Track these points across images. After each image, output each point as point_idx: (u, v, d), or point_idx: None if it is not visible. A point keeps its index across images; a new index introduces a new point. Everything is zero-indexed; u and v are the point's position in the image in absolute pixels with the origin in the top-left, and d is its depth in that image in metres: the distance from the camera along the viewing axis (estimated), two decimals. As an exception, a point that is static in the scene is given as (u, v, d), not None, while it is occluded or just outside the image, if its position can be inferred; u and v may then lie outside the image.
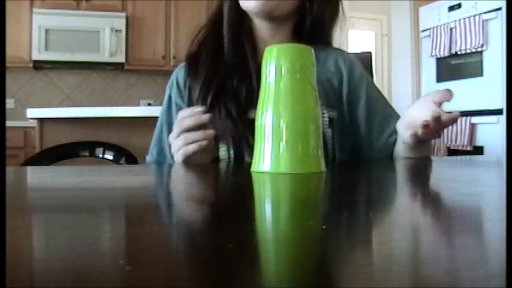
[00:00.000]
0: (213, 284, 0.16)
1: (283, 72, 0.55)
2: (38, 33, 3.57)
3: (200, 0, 3.76)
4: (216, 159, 0.79)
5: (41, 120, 1.88)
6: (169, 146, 0.73)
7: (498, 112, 3.00)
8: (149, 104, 3.83)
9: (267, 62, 0.57)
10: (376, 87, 0.91)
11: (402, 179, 0.59)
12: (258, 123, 0.57)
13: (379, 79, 4.64)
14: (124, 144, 1.23)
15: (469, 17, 3.17)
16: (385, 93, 5.04)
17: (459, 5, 3.30)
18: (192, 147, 0.67)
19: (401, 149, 0.80)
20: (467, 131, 3.18)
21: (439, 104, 0.67)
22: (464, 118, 3.22)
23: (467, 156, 2.53)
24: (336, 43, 0.94)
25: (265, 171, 0.55)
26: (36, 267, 0.19)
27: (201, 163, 0.71)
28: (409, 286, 0.16)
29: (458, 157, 2.45)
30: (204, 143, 0.67)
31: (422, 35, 3.66)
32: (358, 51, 1.36)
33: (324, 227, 0.26)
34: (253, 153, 0.58)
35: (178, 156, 0.70)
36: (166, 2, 3.90)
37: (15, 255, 0.20)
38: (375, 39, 4.98)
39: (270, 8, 0.81)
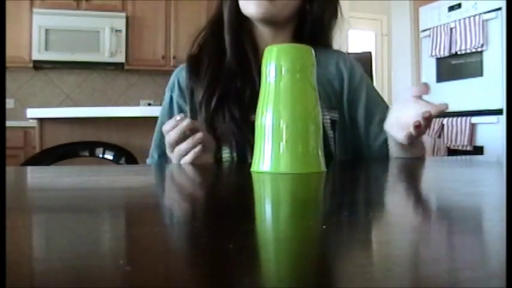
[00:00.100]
0: (213, 284, 0.16)
1: (283, 72, 0.55)
2: (38, 33, 3.57)
3: (200, 0, 3.76)
4: (219, 161, 0.79)
5: (41, 120, 1.88)
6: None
7: (498, 112, 3.00)
8: (149, 104, 3.83)
9: (267, 62, 0.57)
10: (375, 90, 0.91)
11: (402, 179, 0.59)
12: (258, 123, 0.57)
13: (379, 79, 4.64)
14: (124, 144, 1.23)
15: (469, 17, 3.17)
16: (385, 93, 5.05)
17: (459, 5, 3.30)
18: (189, 158, 0.68)
19: (395, 150, 0.80)
20: (467, 131, 3.18)
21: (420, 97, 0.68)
22: (464, 118, 3.22)
23: (467, 156, 2.53)
24: (335, 44, 0.94)
25: (265, 171, 0.55)
26: (36, 268, 0.19)
27: (205, 161, 0.72)
28: (409, 286, 0.16)
29: (458, 157, 2.45)
30: (197, 149, 0.68)
31: (422, 35, 3.66)
32: (358, 51, 1.36)
33: (324, 227, 0.26)
34: (253, 153, 0.58)
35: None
36: (166, 2, 3.90)
37: (15, 255, 0.20)
38: (375, 39, 4.98)
39: (272, 13, 0.81)
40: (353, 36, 4.45)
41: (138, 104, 4.02)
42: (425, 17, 3.62)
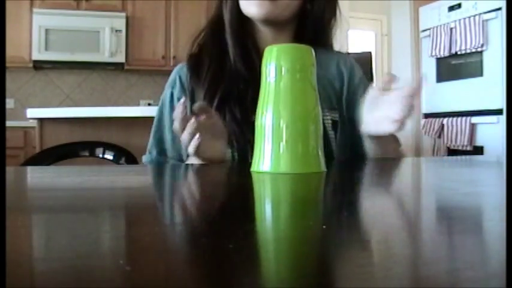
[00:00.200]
0: (213, 284, 0.16)
1: (283, 72, 0.55)
2: (38, 33, 3.57)
3: (200, 0, 3.76)
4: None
5: (41, 120, 1.88)
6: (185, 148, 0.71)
7: (498, 112, 3.00)
8: (149, 104, 3.83)
9: (267, 62, 0.57)
10: None
11: (402, 178, 0.59)
12: (258, 123, 0.57)
13: (379, 79, 4.64)
14: (124, 144, 1.22)
15: (469, 17, 3.17)
16: (385, 93, 4.99)
17: (459, 5, 3.30)
18: (191, 148, 0.65)
19: (373, 149, 0.79)
20: (467, 131, 3.18)
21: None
22: (464, 118, 3.22)
23: (467, 156, 2.53)
24: (336, 43, 0.94)
25: (265, 171, 0.55)
26: (36, 267, 0.19)
27: (218, 151, 0.70)
28: (409, 286, 0.16)
29: (458, 157, 2.45)
30: (196, 136, 0.63)
31: (422, 35, 3.66)
32: (358, 51, 1.36)
33: (324, 227, 0.26)
34: (253, 153, 0.58)
35: (193, 159, 0.70)
36: (166, 2, 3.90)
37: (15, 255, 0.20)
38: (375, 39, 4.98)
39: (273, 14, 0.81)
40: (353, 36, 4.45)
41: (138, 104, 4.02)
42: (425, 17, 3.62)
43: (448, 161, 0.94)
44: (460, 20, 3.25)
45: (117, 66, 3.85)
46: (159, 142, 0.86)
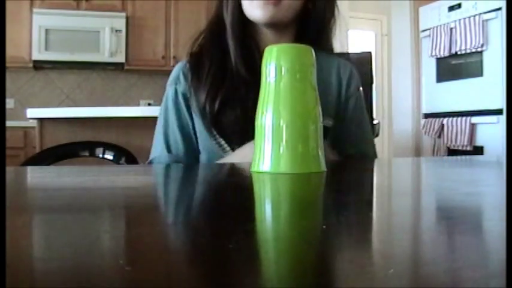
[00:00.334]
0: (213, 284, 0.16)
1: (283, 72, 0.55)
2: (38, 33, 3.57)
3: (200, 0, 3.76)
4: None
5: (41, 120, 1.88)
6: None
7: (498, 112, 3.00)
8: (149, 104, 3.83)
9: (267, 62, 0.57)
10: (363, 106, 0.93)
11: (402, 178, 0.59)
12: (258, 123, 0.57)
13: (379, 79, 4.64)
14: (124, 144, 1.22)
15: (469, 17, 3.18)
16: (385, 93, 5.02)
17: (459, 5, 3.30)
18: None
19: None
20: (467, 131, 3.18)
21: None
22: (464, 118, 3.22)
23: (467, 156, 2.53)
24: (336, 43, 0.94)
25: (265, 171, 0.55)
26: (36, 267, 0.19)
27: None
28: (409, 286, 0.16)
29: (458, 157, 2.45)
30: None
31: (422, 35, 3.66)
32: (358, 51, 1.36)
33: (324, 227, 0.26)
34: (253, 153, 0.58)
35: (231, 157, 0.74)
36: (166, 2, 3.90)
37: (15, 255, 0.20)
38: (375, 39, 4.98)
39: (277, 17, 0.80)
40: (353, 36, 4.45)
41: (138, 104, 4.02)
42: (425, 17, 3.63)
43: (448, 161, 0.94)
44: (460, 20, 3.25)
45: (117, 66, 3.85)
46: (168, 141, 0.85)
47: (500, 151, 2.92)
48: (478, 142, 3.14)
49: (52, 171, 0.64)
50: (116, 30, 3.71)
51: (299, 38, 0.88)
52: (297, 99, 0.55)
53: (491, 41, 3.03)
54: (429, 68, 3.57)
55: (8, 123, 3.06)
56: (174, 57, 3.81)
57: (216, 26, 0.87)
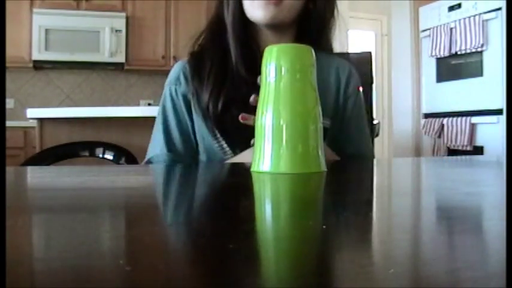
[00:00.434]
0: (213, 284, 0.16)
1: (283, 72, 0.55)
2: (38, 33, 3.57)
3: (200, 0, 3.76)
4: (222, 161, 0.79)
5: (41, 120, 1.88)
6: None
7: (498, 112, 3.01)
8: (149, 104, 3.83)
9: (267, 62, 0.57)
10: (362, 106, 0.93)
11: (402, 178, 0.59)
12: (258, 123, 0.57)
13: (379, 79, 4.64)
14: (124, 144, 1.22)
15: (469, 17, 3.18)
16: (385, 94, 5.02)
17: (459, 5, 3.30)
18: None
19: None
20: (467, 131, 3.18)
21: None
22: (464, 118, 3.22)
23: (467, 156, 2.53)
24: (336, 42, 0.94)
25: (265, 171, 0.55)
26: (36, 267, 0.19)
27: None
28: (409, 286, 0.16)
29: (458, 157, 2.45)
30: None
31: (422, 35, 3.66)
32: (358, 51, 1.35)
33: (324, 227, 0.26)
34: (253, 153, 0.58)
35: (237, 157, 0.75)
36: (166, 2, 3.90)
37: (15, 255, 0.20)
38: (374, 39, 4.97)
39: (278, 18, 0.80)
40: (353, 36, 4.45)
41: (138, 104, 4.02)
42: (425, 17, 3.63)
43: (448, 161, 0.94)
44: (460, 20, 3.25)
45: (117, 66, 3.85)
46: (167, 140, 0.85)
47: (500, 151, 2.92)
48: (478, 142, 3.14)
49: (52, 171, 0.64)
50: (116, 30, 3.71)
51: (299, 38, 0.88)
52: (297, 99, 0.55)
53: (491, 41, 3.03)
54: (429, 68, 3.57)
55: (8, 123, 3.06)
56: (174, 57, 3.80)
57: (216, 26, 0.87)
